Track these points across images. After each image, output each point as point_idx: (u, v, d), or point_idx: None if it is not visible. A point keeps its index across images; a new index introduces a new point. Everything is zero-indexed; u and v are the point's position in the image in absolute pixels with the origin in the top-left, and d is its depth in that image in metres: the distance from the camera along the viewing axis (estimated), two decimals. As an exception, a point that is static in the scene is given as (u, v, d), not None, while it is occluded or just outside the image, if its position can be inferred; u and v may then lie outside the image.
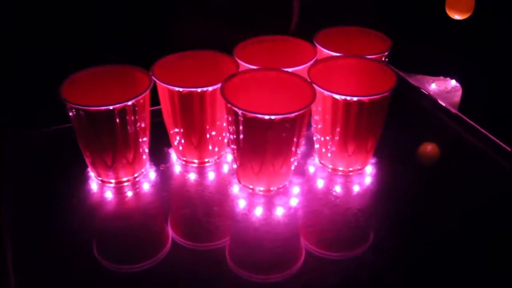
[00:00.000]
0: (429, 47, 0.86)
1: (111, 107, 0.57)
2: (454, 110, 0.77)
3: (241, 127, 0.58)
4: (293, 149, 0.60)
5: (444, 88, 0.82)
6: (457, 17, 0.80)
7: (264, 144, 0.58)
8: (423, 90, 0.82)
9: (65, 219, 0.61)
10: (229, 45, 0.68)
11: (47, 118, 0.74)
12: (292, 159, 0.62)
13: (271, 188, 0.63)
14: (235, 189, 0.65)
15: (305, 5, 0.88)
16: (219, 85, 0.60)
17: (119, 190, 0.65)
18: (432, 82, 0.83)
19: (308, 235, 0.59)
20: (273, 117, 0.55)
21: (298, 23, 0.88)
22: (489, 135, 0.72)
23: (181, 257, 0.57)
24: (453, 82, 0.83)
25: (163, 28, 0.85)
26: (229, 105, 0.57)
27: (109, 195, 0.64)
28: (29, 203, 0.63)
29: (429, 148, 0.74)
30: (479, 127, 0.74)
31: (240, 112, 0.56)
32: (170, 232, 0.60)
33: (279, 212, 0.62)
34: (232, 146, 0.61)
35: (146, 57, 0.65)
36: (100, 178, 0.65)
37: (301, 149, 0.70)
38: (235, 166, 0.64)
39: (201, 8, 0.86)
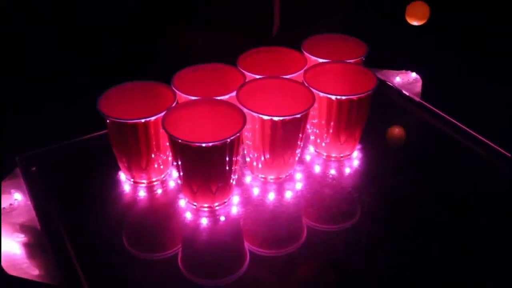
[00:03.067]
0: (391, 46, 1.00)
1: (147, 119, 0.68)
2: (417, 98, 0.92)
3: (256, 127, 0.70)
4: (299, 142, 0.73)
5: (406, 80, 0.97)
6: (415, 23, 0.95)
7: (275, 140, 0.70)
8: (389, 83, 0.96)
9: (106, 213, 0.72)
10: (214, 52, 0.79)
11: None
12: (297, 151, 0.74)
13: (280, 176, 0.76)
14: (247, 179, 0.77)
15: (285, 10, 0.99)
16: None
17: (150, 188, 0.75)
18: (396, 76, 0.97)
19: (314, 212, 0.72)
20: (286, 118, 0.68)
21: (280, 27, 0.98)
22: (446, 116, 0.88)
23: (204, 238, 0.68)
24: (414, 75, 0.98)
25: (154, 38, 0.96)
26: (246, 110, 0.68)
27: (142, 193, 0.75)
28: (72, 203, 0.74)
29: (396, 131, 0.89)
30: (438, 111, 0.89)
31: (256, 115, 0.68)
32: (195, 219, 0.71)
33: (288, 194, 0.74)
34: (247, 142, 0.73)
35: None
36: (133, 180, 0.75)
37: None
38: (248, 159, 0.76)
39: (187, 18, 0.96)
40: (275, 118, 0.68)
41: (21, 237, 0.70)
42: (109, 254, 0.67)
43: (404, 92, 0.94)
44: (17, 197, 0.72)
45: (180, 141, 0.64)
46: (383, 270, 0.66)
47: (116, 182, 0.76)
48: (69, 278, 0.63)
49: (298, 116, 0.69)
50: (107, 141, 0.78)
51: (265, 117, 0.68)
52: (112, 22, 0.90)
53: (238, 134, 0.65)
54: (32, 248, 0.71)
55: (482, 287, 0.64)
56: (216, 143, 0.64)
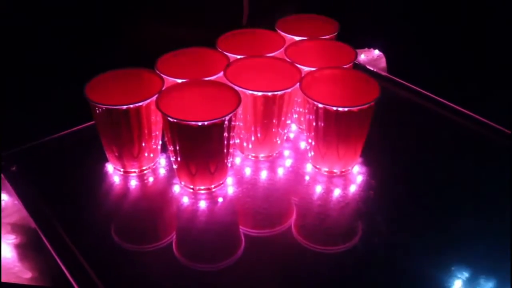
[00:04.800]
0: (354, 26, 1.03)
1: (139, 104, 0.67)
2: (384, 73, 0.96)
3: (248, 105, 0.70)
4: (288, 121, 0.74)
5: (371, 57, 1.00)
6: None
7: (268, 116, 0.71)
8: (355, 61, 0.99)
9: (100, 206, 0.70)
10: (185, 45, 0.78)
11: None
12: (286, 129, 0.75)
13: (271, 154, 0.77)
14: (238, 160, 0.77)
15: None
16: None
17: (141, 177, 0.74)
18: (361, 54, 1.01)
19: (309, 187, 0.74)
20: (278, 93, 0.68)
21: (249, 16, 1.00)
22: (413, 86, 0.93)
23: (204, 220, 0.68)
24: (377, 52, 1.02)
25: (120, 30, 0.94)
26: (238, 88, 0.69)
27: (134, 182, 0.73)
28: (62, 199, 0.71)
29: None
30: (405, 82, 0.93)
31: (249, 92, 0.69)
32: (194, 202, 0.70)
33: (281, 171, 0.75)
34: (238, 123, 0.73)
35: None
36: (123, 169, 0.73)
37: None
38: (237, 141, 0.76)
39: (154, 10, 0.96)
40: (268, 94, 0.69)
41: (13, 238, 0.67)
42: (113, 247, 0.65)
43: (370, 68, 0.98)
44: (3, 198, 0.69)
45: (178, 121, 0.63)
46: (376, 245, 0.65)
47: (105, 174, 0.74)
48: (75, 272, 0.61)
49: (289, 90, 0.70)
50: (88, 133, 0.76)
51: (258, 93, 0.68)
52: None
53: (236, 111, 0.65)
54: (24, 249, 0.68)
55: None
56: (215, 120, 0.63)
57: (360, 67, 0.98)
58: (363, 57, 1.01)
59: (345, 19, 0.95)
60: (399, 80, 0.94)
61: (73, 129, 0.81)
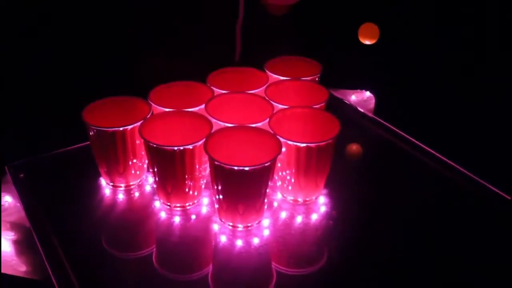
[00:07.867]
0: (347, 68, 1.11)
1: (125, 128, 0.77)
2: (370, 114, 1.03)
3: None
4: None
5: (361, 98, 1.08)
6: (367, 42, 1.07)
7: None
8: (345, 101, 1.07)
9: (89, 213, 0.80)
10: (181, 78, 0.89)
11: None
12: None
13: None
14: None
15: (246, 38, 1.12)
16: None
17: (128, 191, 0.84)
18: (352, 94, 1.08)
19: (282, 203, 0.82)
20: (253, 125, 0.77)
21: (241, 53, 1.11)
22: (395, 128, 0.99)
23: (178, 234, 0.76)
24: (368, 93, 1.09)
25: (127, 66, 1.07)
26: (213, 120, 0.78)
27: (120, 196, 0.83)
28: (57, 205, 0.82)
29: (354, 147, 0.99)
30: (389, 125, 1.00)
31: (223, 124, 0.78)
32: (170, 217, 0.79)
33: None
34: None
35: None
36: (112, 184, 0.84)
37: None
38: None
39: (152, 47, 1.08)
40: (229, 125, 0.77)
41: (11, 235, 0.78)
42: (94, 250, 0.74)
43: (359, 108, 1.05)
44: (7, 199, 0.80)
45: (154, 145, 0.73)
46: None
47: (97, 187, 0.85)
48: (57, 272, 0.71)
49: (260, 124, 0.78)
50: (88, 151, 0.87)
51: (230, 125, 0.78)
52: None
53: (208, 137, 0.74)
54: (21, 245, 0.79)
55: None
56: (188, 146, 0.73)
57: (350, 107, 1.06)
58: (353, 97, 1.08)
59: (339, 60, 1.03)
60: (383, 121, 1.00)
61: (77, 145, 0.92)
